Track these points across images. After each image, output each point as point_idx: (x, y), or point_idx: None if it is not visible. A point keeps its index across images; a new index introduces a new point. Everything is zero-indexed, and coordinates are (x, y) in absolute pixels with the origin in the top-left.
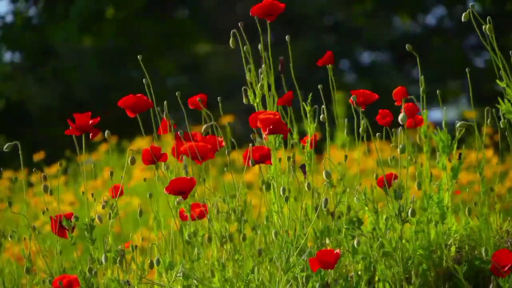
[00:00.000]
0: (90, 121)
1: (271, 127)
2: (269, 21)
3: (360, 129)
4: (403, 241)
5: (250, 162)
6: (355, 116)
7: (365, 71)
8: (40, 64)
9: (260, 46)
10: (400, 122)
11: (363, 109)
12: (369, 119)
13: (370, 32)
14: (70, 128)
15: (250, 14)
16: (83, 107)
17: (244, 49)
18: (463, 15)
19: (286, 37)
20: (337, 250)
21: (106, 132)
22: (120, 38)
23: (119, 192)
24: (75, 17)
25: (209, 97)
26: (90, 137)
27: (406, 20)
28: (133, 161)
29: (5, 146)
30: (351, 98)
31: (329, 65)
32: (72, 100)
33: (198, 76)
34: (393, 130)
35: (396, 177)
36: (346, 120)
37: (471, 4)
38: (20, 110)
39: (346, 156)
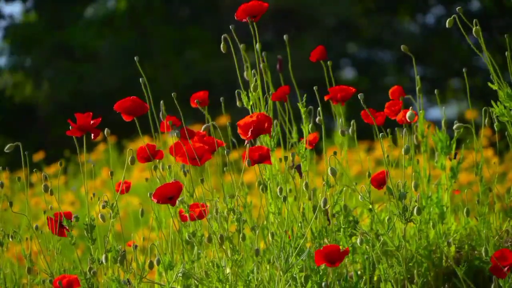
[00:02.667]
0: (91, 121)
1: (252, 129)
2: (254, 22)
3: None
4: (404, 241)
5: (246, 162)
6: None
7: (367, 70)
8: (53, 64)
9: (258, 47)
10: (408, 120)
11: (342, 105)
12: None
13: (373, 32)
14: (72, 128)
15: (236, 18)
16: (92, 108)
17: (237, 49)
18: (448, 21)
19: (284, 36)
20: (345, 248)
21: (106, 130)
22: (133, 39)
23: (121, 188)
24: (91, 18)
25: (218, 97)
26: (92, 137)
27: (407, 20)
28: (132, 161)
29: (6, 147)
30: (327, 96)
31: (322, 61)
32: (82, 100)
33: (209, 78)
34: (385, 130)
35: (387, 175)
36: (341, 120)
37: (457, 8)
38: (28, 110)
39: (335, 152)
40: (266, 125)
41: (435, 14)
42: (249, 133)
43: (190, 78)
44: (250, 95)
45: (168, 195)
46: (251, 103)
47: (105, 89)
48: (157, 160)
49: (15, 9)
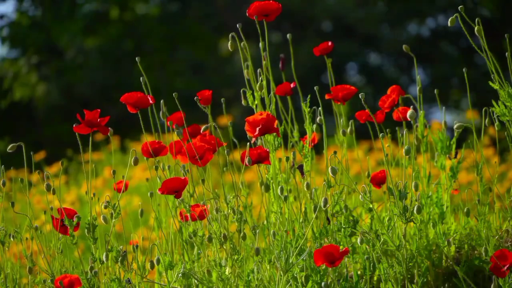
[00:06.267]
0: (99, 119)
1: (260, 127)
2: (267, 21)
3: (348, 129)
4: (404, 240)
5: (246, 161)
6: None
7: (372, 73)
8: (44, 63)
9: (260, 45)
10: (409, 119)
11: (343, 104)
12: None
13: (378, 35)
14: (78, 124)
15: (247, 15)
16: (87, 107)
17: (241, 45)
18: (450, 20)
19: (288, 35)
20: (345, 248)
21: (110, 130)
22: (126, 37)
23: (123, 188)
24: (80, 17)
25: (219, 97)
26: (102, 132)
27: (414, 22)
28: (136, 162)
29: (8, 147)
30: (328, 94)
31: (329, 59)
32: (76, 99)
33: (210, 77)
34: (387, 130)
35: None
36: (342, 120)
37: (459, 7)
38: (24, 109)
39: (335, 152)
40: (274, 124)
41: (442, 19)
42: (257, 131)
43: (189, 78)
44: (255, 94)
45: (174, 188)
46: (256, 102)
47: (97, 89)
48: (159, 159)
49: (8, 8)
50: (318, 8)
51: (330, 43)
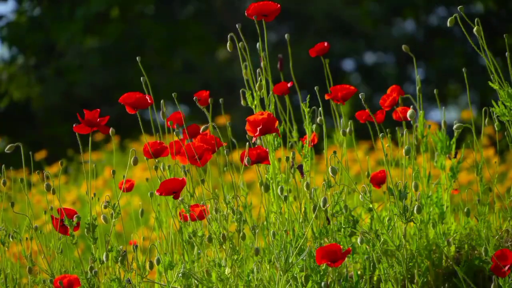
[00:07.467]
0: (99, 119)
1: (260, 127)
2: (266, 22)
3: (347, 129)
4: (404, 240)
5: (246, 161)
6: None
7: (369, 72)
8: (44, 63)
9: (258, 45)
10: (409, 118)
11: (343, 104)
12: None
13: (375, 34)
14: (78, 124)
15: (246, 15)
16: (86, 107)
17: (240, 45)
18: (449, 20)
19: (286, 35)
20: (348, 248)
21: (111, 129)
22: (125, 38)
23: (127, 187)
24: (80, 17)
25: (218, 98)
26: (102, 132)
27: (410, 18)
28: (135, 162)
29: (7, 148)
30: (327, 94)
31: (322, 57)
32: (75, 100)
33: (210, 77)
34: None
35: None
36: (342, 120)
37: (459, 7)
38: (23, 109)
39: (335, 152)
40: (275, 124)
41: (437, 15)
42: (258, 131)
43: (186, 77)
44: (254, 94)
45: (172, 189)
46: (255, 102)
47: (97, 89)
48: (159, 159)
49: (7, 9)
50: (314, 8)
51: (326, 44)
